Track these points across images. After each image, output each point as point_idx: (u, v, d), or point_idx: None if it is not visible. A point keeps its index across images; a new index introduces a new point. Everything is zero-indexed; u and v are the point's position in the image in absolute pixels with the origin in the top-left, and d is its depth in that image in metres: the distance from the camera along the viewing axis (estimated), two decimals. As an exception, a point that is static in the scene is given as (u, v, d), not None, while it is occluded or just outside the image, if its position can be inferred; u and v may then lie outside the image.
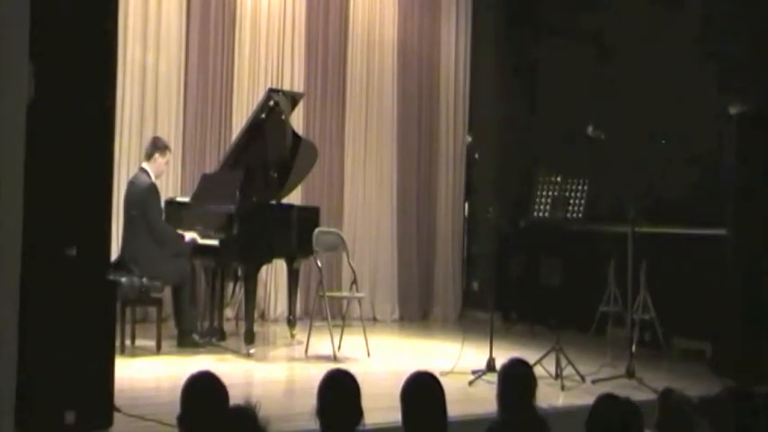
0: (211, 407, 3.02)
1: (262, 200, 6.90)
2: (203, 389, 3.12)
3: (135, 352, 6.38)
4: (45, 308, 3.94)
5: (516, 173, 9.10)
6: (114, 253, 6.09)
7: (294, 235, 6.82)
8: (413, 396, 3.24)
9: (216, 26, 8.48)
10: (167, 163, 6.97)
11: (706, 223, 7.21)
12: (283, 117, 7.03)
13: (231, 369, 5.99)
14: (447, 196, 9.78)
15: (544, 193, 6.11)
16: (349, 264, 7.32)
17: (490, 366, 5.88)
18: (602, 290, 7.94)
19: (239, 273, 7.17)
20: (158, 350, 6.39)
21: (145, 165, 6.71)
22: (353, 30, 9.22)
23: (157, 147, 6.75)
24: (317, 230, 6.95)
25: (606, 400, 3.14)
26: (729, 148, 6.89)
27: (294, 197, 7.73)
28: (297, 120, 8.27)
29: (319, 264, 7.00)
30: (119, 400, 4.34)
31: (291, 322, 7.45)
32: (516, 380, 3.55)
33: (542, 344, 6.34)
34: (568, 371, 5.89)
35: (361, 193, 9.26)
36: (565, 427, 3.69)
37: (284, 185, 7.10)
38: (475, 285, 9.88)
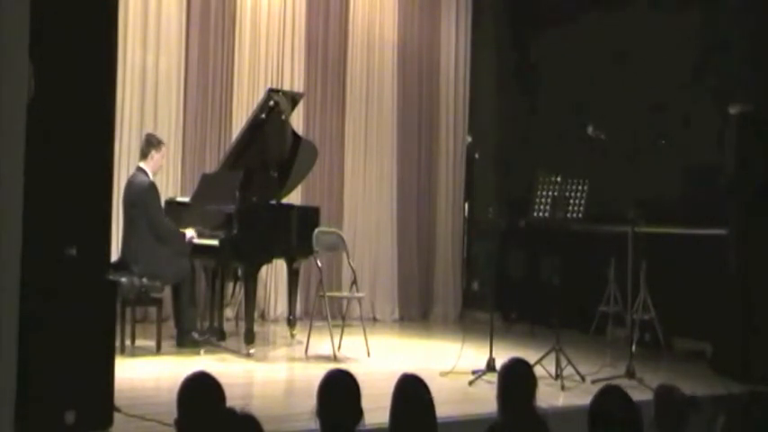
0: (208, 408, 3.01)
1: (262, 200, 6.89)
2: (199, 390, 3.12)
3: (135, 352, 6.38)
4: (45, 308, 3.93)
5: (516, 173, 9.10)
6: (114, 253, 6.09)
7: (294, 235, 6.82)
8: (398, 400, 3.22)
9: (216, 26, 8.48)
10: (163, 157, 6.96)
11: (706, 223, 7.21)
12: (283, 117, 7.03)
13: (231, 369, 6.00)
14: (447, 196, 9.78)
15: (544, 193, 6.10)
16: (349, 264, 7.32)
17: (490, 366, 5.88)
18: (602, 290, 7.94)
19: (239, 273, 7.17)
20: (158, 350, 6.40)
21: (142, 164, 6.70)
22: (353, 30, 9.22)
23: (152, 144, 6.74)
24: (317, 230, 6.95)
25: (610, 391, 3.16)
26: (729, 149, 6.89)
27: (294, 197, 7.73)
28: (297, 120, 8.27)
29: (319, 264, 7.00)
30: (119, 400, 4.33)
31: (291, 322, 7.46)
32: (516, 380, 3.55)
33: (542, 344, 6.33)
34: (568, 371, 5.89)
35: (361, 193, 9.26)
36: (565, 427, 3.68)
37: (284, 185, 7.10)
38: (475, 285, 9.87)
